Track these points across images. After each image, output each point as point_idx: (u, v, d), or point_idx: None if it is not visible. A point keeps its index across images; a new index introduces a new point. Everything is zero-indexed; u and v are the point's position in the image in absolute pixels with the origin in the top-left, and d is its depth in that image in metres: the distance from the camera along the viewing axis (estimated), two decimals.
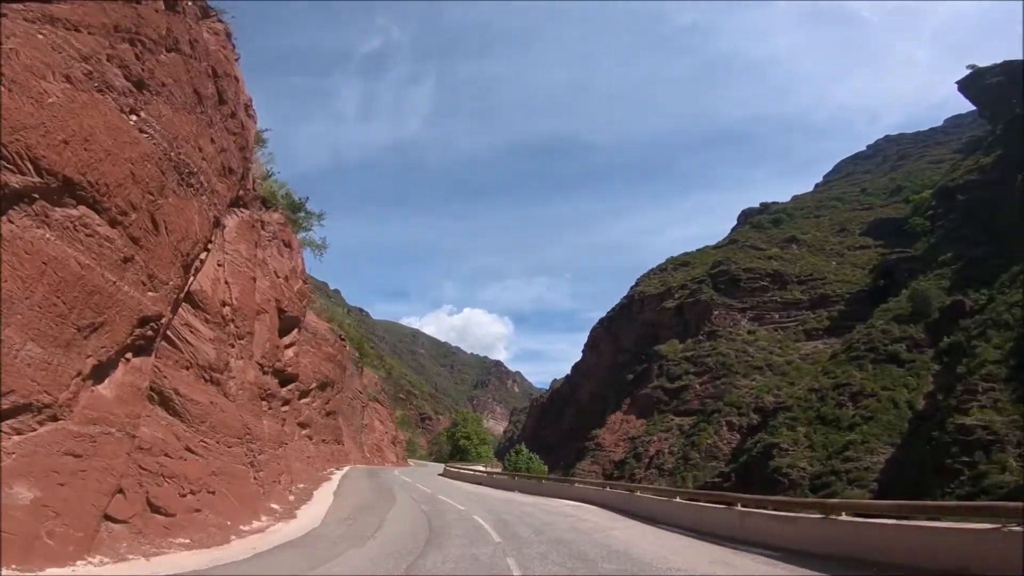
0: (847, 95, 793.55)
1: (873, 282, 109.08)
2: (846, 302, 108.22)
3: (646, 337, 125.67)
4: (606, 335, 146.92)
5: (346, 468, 34.59)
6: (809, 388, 78.72)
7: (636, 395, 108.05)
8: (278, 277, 19.71)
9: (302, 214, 27.64)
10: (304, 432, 26.90)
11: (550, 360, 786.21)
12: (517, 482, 30.99)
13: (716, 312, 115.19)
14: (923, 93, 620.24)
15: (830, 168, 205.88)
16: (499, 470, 70.28)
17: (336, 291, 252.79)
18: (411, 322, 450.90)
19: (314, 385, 29.07)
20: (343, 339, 39.41)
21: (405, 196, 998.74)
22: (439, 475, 41.01)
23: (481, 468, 54.21)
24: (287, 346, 21.66)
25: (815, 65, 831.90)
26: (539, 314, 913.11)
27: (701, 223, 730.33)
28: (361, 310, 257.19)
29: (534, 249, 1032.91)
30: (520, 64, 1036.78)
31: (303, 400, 26.84)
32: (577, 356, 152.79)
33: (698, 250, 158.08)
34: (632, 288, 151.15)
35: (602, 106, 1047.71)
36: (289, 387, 22.62)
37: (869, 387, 72.95)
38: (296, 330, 22.47)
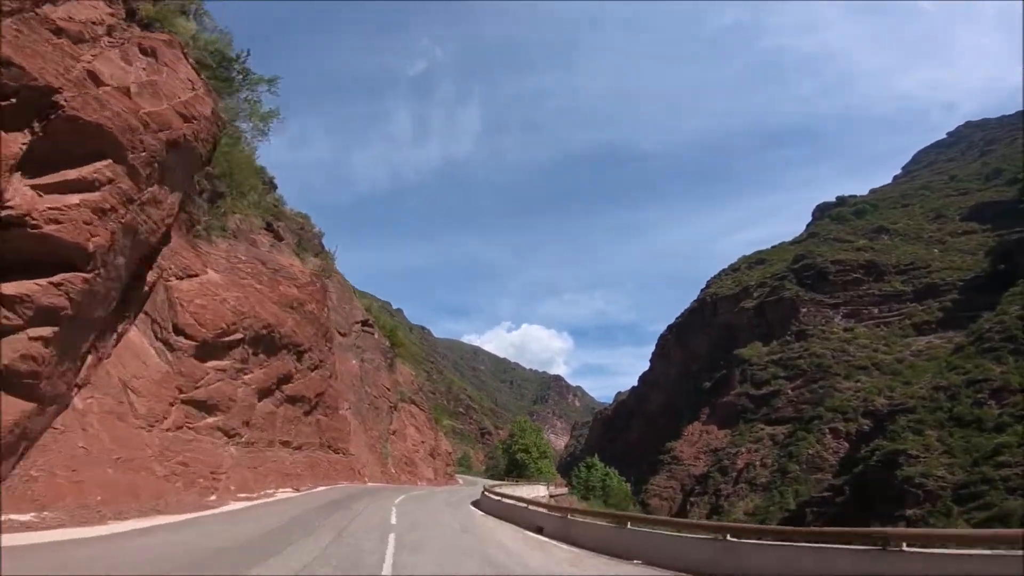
0: (914, 86, 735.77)
1: (991, 267, 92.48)
2: (960, 290, 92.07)
3: (722, 341, 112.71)
4: (676, 342, 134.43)
5: (318, 488, 21.10)
6: (933, 387, 64.69)
7: (716, 404, 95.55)
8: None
9: (237, 74, 19.16)
10: (209, 422, 15.43)
11: (612, 374, 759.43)
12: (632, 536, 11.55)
13: (804, 310, 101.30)
14: (996, 79, 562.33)
15: (908, 160, 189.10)
16: (565, 490, 61.11)
17: (399, 310, 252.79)
18: (471, 339, 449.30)
19: (240, 336, 16.87)
20: (324, 288, 26.04)
21: (460, 214, 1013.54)
22: (472, 504, 22.62)
23: (543, 489, 43.41)
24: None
25: (874, 58, 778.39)
26: (599, 328, 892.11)
27: (767, 225, 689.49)
28: (423, 328, 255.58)
29: (591, 262, 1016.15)
30: (563, 76, 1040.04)
31: (211, 363, 15.76)
32: (641, 368, 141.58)
33: (773, 247, 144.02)
34: (703, 291, 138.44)
35: (650, 112, 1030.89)
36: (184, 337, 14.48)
37: (1015, 381, 58.59)
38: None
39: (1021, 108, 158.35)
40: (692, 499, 78.26)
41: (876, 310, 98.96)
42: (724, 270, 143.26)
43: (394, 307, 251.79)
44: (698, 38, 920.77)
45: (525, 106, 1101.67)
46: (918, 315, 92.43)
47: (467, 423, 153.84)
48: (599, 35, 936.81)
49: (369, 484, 27.49)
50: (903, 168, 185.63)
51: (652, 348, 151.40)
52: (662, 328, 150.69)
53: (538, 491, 38.71)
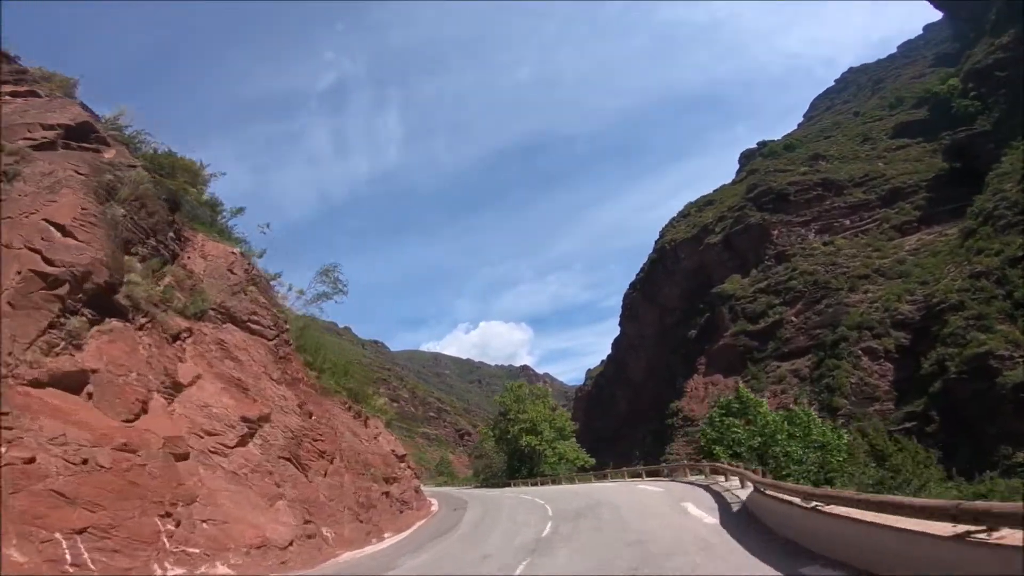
0: (798, 44, 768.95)
1: (949, 164, 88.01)
2: (927, 189, 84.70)
3: (694, 285, 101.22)
4: (643, 299, 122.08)
5: None
6: (970, 275, 53.95)
7: (712, 351, 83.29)
8: None
9: None
10: None
11: (578, 355, 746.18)
12: None
13: (775, 232, 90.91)
14: (867, 30, 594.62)
15: (806, 108, 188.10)
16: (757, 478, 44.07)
17: (346, 328, 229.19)
18: (431, 347, 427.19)
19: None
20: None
21: (399, 224, 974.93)
22: None
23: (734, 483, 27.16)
24: None
25: (757, 22, 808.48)
26: (557, 312, 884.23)
27: (699, 188, 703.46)
28: (376, 342, 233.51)
29: (539, 250, 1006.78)
30: (479, 71, 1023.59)
31: None
32: (605, 344, 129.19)
33: (715, 191, 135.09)
34: (658, 241, 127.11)
35: (568, 97, 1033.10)
36: None
37: None
38: None
39: (894, 51, 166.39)
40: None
41: (847, 221, 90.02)
42: (674, 218, 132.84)
43: (340, 326, 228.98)
44: (599, 19, 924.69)
45: (447, 107, 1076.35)
46: (894, 218, 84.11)
47: (441, 427, 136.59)
48: (506, 28, 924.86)
49: None
50: (804, 116, 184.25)
51: (612, 323, 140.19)
52: (617, 302, 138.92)
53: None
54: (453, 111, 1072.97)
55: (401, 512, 21.01)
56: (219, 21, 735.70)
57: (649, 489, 20.61)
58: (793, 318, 73.30)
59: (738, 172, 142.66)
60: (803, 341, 69.46)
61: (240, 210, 20.71)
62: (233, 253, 17.86)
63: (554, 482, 37.78)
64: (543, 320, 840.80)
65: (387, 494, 20.20)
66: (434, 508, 25.79)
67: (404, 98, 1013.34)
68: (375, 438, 23.77)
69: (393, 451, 24.85)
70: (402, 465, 25.24)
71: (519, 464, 47.70)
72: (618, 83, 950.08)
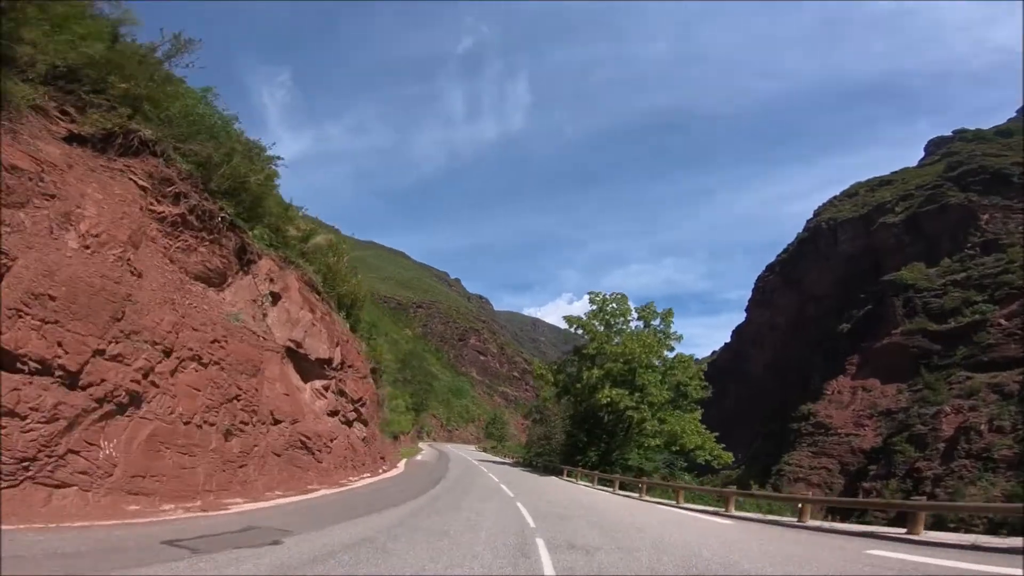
0: (1007, 39, 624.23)
1: None
2: None
3: (854, 272, 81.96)
4: (782, 284, 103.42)
5: None
6: None
7: (871, 349, 65.86)
8: None
9: None
10: None
11: (685, 346, 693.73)
12: None
13: (985, 217, 69.16)
14: None
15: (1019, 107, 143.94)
16: None
17: (456, 279, 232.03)
18: (532, 312, 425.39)
19: None
20: None
21: (516, 189, 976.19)
22: None
23: None
24: None
25: (958, 12, 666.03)
26: (668, 297, 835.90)
27: (846, 185, 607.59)
28: (481, 297, 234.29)
29: (657, 230, 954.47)
30: (613, 43, 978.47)
31: None
32: (717, 341, 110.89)
33: (893, 172, 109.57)
34: (810, 220, 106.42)
35: (715, 74, 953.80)
36: None
37: None
38: None
39: None
40: (864, 483, 50.13)
41: None
42: (835, 197, 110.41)
43: (451, 277, 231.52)
44: None
45: (576, 77, 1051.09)
46: None
47: (523, 389, 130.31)
48: None
49: None
50: (1017, 111, 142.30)
51: (729, 317, 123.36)
52: (739, 297, 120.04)
53: None
54: (580, 82, 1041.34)
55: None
56: None
57: None
58: (1003, 320, 54.04)
59: (922, 160, 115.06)
60: (1013, 350, 50.63)
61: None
62: None
63: (646, 491, 20.27)
64: (652, 301, 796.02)
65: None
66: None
67: (533, 66, 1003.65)
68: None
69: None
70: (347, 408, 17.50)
71: (587, 439, 30.12)
72: (770, 65, 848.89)
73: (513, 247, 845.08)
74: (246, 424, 11.48)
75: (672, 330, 32.37)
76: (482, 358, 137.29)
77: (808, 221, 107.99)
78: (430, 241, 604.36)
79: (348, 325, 20.11)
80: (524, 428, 60.42)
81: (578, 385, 30.87)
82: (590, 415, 30.70)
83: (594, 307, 33.07)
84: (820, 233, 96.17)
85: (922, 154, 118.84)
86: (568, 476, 28.31)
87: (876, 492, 47.98)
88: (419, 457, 34.89)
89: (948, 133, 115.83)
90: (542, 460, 36.65)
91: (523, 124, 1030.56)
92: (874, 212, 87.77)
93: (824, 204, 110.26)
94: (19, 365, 7.01)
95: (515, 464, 41.20)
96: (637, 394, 28.13)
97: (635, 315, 33.04)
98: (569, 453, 31.21)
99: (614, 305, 32.88)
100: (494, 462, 40.72)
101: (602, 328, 32.02)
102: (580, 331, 33.05)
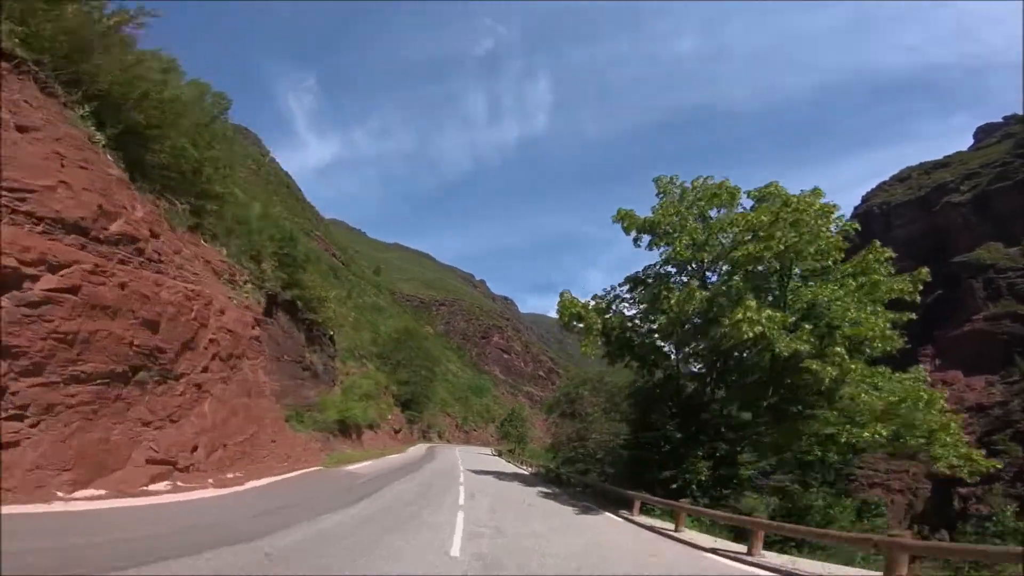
0: None
1: None
2: None
3: (917, 257, 75.20)
4: None
5: None
6: None
7: (947, 338, 59.45)
8: None
9: None
10: None
11: None
12: None
13: None
14: None
15: None
16: None
17: (482, 281, 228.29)
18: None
19: None
20: None
21: (539, 190, 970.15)
22: None
23: None
24: None
25: (996, 4, 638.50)
26: None
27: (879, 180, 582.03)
28: (507, 299, 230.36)
29: None
30: (634, 41, 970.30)
31: None
32: None
33: (946, 156, 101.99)
34: (859, 207, 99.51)
35: (735, 73, 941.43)
36: None
37: None
38: None
39: None
40: (960, 489, 43.97)
41: None
42: (885, 182, 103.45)
43: (476, 279, 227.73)
44: None
45: (597, 77, 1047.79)
46: None
47: (548, 389, 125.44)
48: None
49: None
50: None
51: None
52: None
53: None
54: (603, 81, 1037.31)
55: None
56: None
57: None
58: None
59: (972, 147, 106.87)
60: None
61: None
62: None
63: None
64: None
65: None
66: None
67: (553, 66, 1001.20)
68: None
69: None
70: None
71: (687, 434, 16.42)
72: (798, 61, 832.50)
73: (538, 247, 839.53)
74: None
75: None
76: (505, 356, 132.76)
77: (856, 208, 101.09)
78: (455, 243, 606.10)
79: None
80: (548, 427, 46.95)
81: (668, 310, 15.92)
82: (711, 369, 16.47)
83: (660, 196, 19.67)
84: (872, 218, 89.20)
85: (971, 141, 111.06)
86: (643, 512, 14.92)
87: (977, 499, 41.99)
88: (351, 467, 19.25)
89: (999, 119, 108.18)
90: (575, 473, 24.18)
91: (545, 124, 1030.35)
92: (933, 193, 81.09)
93: (873, 189, 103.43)
94: None
95: (535, 476, 28.22)
96: (808, 325, 14.34)
97: (747, 200, 18.63)
98: (637, 464, 17.58)
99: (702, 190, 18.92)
100: (500, 474, 26.60)
101: (694, 221, 18.34)
102: (647, 237, 19.17)
